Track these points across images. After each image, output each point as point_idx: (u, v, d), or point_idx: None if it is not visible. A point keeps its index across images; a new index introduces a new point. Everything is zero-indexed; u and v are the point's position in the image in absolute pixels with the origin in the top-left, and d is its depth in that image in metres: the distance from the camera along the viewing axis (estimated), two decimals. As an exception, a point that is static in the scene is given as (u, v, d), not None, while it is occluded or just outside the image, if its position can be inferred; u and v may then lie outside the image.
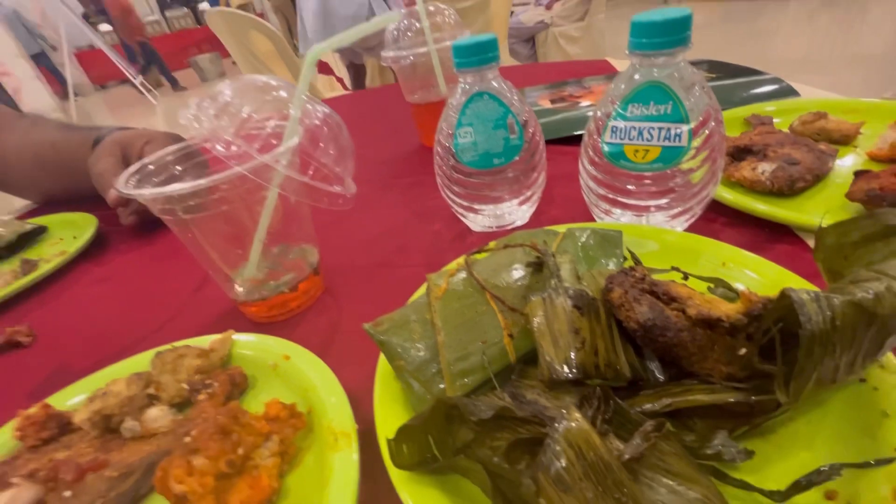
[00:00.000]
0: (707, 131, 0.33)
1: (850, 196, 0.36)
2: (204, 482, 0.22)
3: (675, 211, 0.37)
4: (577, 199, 0.43)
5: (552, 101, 0.69)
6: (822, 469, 0.18)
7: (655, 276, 0.30)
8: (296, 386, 0.30)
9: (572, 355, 0.23)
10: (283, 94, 0.36)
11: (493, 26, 2.97)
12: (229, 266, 0.38)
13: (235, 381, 0.30)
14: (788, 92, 0.57)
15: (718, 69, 0.67)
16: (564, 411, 0.19)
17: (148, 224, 0.60)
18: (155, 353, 0.32)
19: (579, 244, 0.33)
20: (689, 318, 0.22)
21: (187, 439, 0.23)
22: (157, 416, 0.29)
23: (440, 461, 0.22)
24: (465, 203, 0.44)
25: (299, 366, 0.30)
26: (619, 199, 0.38)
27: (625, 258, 0.33)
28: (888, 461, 0.19)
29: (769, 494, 0.19)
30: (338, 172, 0.38)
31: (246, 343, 0.34)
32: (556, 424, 0.18)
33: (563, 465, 0.17)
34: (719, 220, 0.40)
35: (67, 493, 0.24)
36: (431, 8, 0.61)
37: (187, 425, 0.24)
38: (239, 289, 0.38)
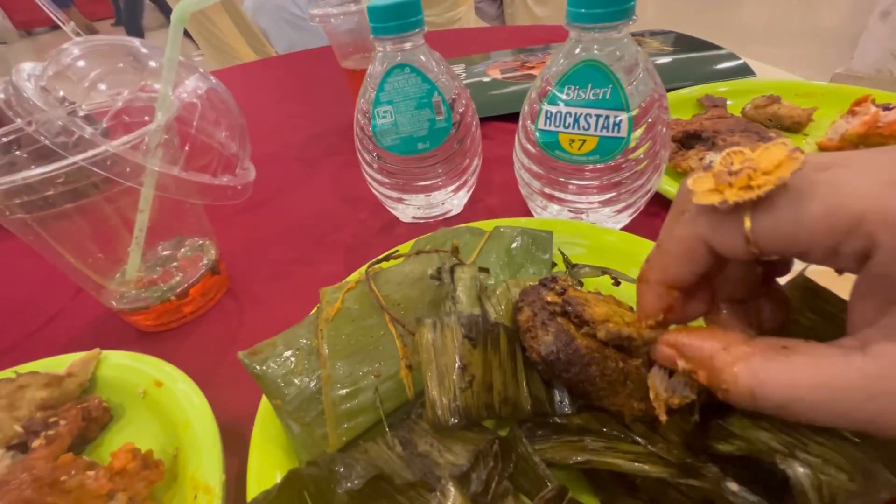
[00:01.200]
0: (650, 119, 0.29)
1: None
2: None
3: (618, 207, 0.34)
4: (516, 190, 0.39)
5: (503, 73, 0.64)
6: None
7: (585, 279, 0.26)
8: (166, 420, 0.25)
9: (456, 397, 0.19)
10: (153, 63, 0.29)
11: (458, -18, 2.81)
12: (100, 274, 0.32)
13: (91, 415, 0.25)
14: (744, 71, 0.53)
15: (682, 42, 0.63)
16: (439, 493, 0.15)
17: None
18: (-7, 382, 0.26)
19: (506, 247, 0.30)
20: (599, 341, 0.19)
21: (-8, 512, 0.18)
22: (-12, 461, 0.24)
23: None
24: (391, 193, 0.39)
25: (173, 396, 0.26)
26: (557, 193, 0.34)
27: (555, 263, 0.29)
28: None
29: None
30: (233, 154, 0.32)
31: (114, 364, 0.28)
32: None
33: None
34: (663, 213, 0.37)
35: None
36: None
37: (4, 485, 0.19)
38: (112, 300, 0.33)
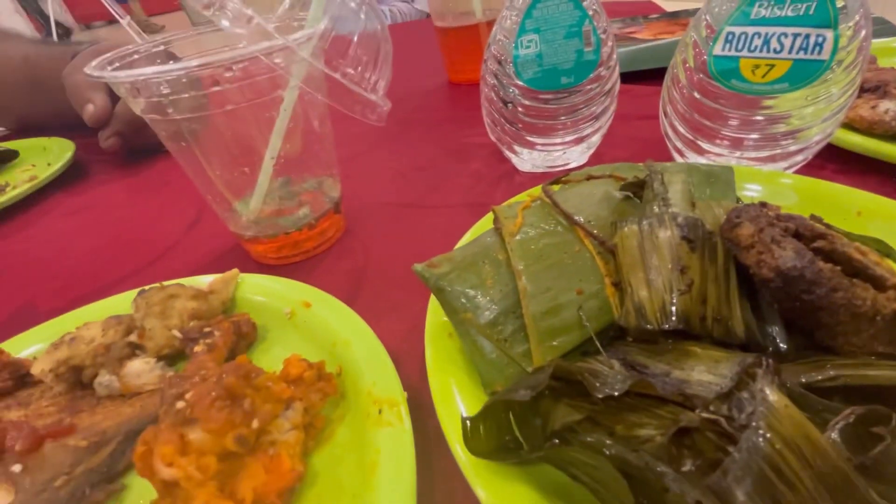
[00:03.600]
0: (858, 43, 0.26)
1: None
2: (204, 464, 0.15)
3: (793, 149, 0.30)
4: (642, 141, 0.36)
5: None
6: None
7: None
8: (320, 340, 0.23)
9: (673, 299, 0.16)
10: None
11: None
12: (233, 192, 0.30)
13: (242, 330, 0.24)
14: (890, 31, 0.48)
15: None
16: (760, 388, 0.12)
17: (133, 151, 0.52)
18: (138, 292, 0.25)
19: (681, 184, 0.26)
20: (839, 264, 0.16)
21: (181, 404, 0.17)
22: (142, 370, 0.22)
23: (524, 448, 0.16)
24: (515, 133, 0.36)
25: (324, 315, 0.24)
26: (715, 129, 0.31)
27: (738, 200, 0.26)
28: None
29: None
30: (373, 81, 0.30)
31: (255, 286, 0.27)
32: (751, 408, 0.12)
33: (774, 472, 0.11)
34: (829, 165, 0.33)
35: (17, 468, 0.18)
36: None
37: (181, 384, 0.17)
38: (237, 226, 0.31)
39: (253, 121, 0.27)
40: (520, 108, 0.35)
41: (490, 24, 0.53)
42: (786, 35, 0.26)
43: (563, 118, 0.35)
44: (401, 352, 0.24)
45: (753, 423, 0.12)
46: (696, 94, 0.30)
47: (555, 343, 0.18)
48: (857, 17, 0.25)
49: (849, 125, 0.34)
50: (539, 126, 0.35)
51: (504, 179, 0.39)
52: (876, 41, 0.46)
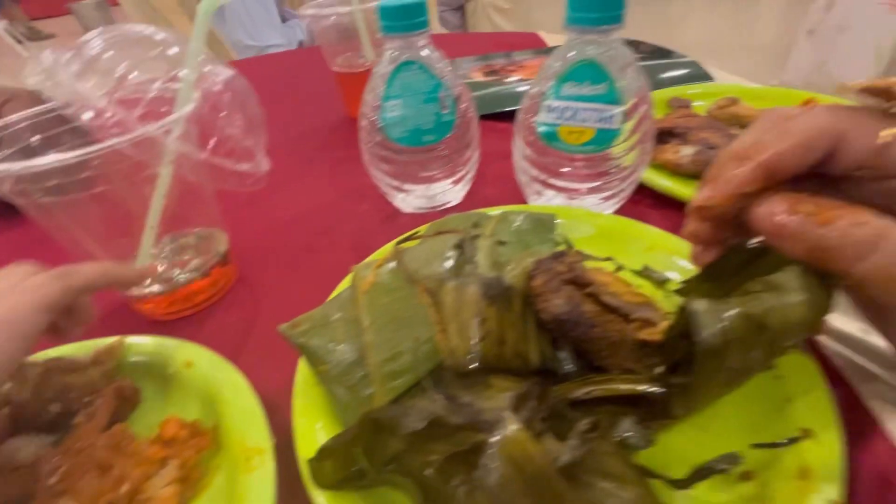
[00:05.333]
0: (640, 114, 0.33)
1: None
2: (76, 532, 0.18)
3: (607, 194, 0.37)
4: (511, 178, 0.41)
5: (485, 74, 0.67)
6: (721, 457, 0.19)
7: (590, 264, 0.29)
8: (200, 397, 0.26)
9: (475, 345, 0.22)
10: (173, 50, 0.30)
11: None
12: (113, 258, 0.32)
13: (124, 395, 0.26)
14: (703, 76, 0.59)
15: (652, 51, 0.69)
16: (501, 419, 0.17)
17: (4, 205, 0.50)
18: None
19: (514, 228, 0.32)
20: (600, 304, 0.22)
21: (53, 479, 0.19)
22: (21, 445, 0.24)
23: (368, 476, 0.20)
24: (394, 182, 0.41)
25: (204, 373, 0.26)
26: (552, 181, 0.37)
27: (557, 243, 0.32)
28: (794, 440, 0.20)
29: (672, 482, 0.19)
30: (247, 146, 0.33)
31: (140, 348, 0.29)
32: (493, 436, 0.17)
33: (500, 482, 0.16)
34: (644, 201, 0.41)
35: None
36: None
37: (54, 460, 0.19)
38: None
39: (129, 196, 0.29)
40: (392, 162, 0.39)
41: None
42: (587, 109, 0.32)
43: (432, 169, 0.39)
44: (280, 398, 0.27)
45: (489, 448, 0.17)
46: (531, 152, 0.36)
47: (395, 384, 0.23)
48: (634, 99, 0.32)
49: (661, 166, 0.43)
50: (413, 174, 0.40)
51: (389, 221, 0.43)
52: (690, 86, 0.56)
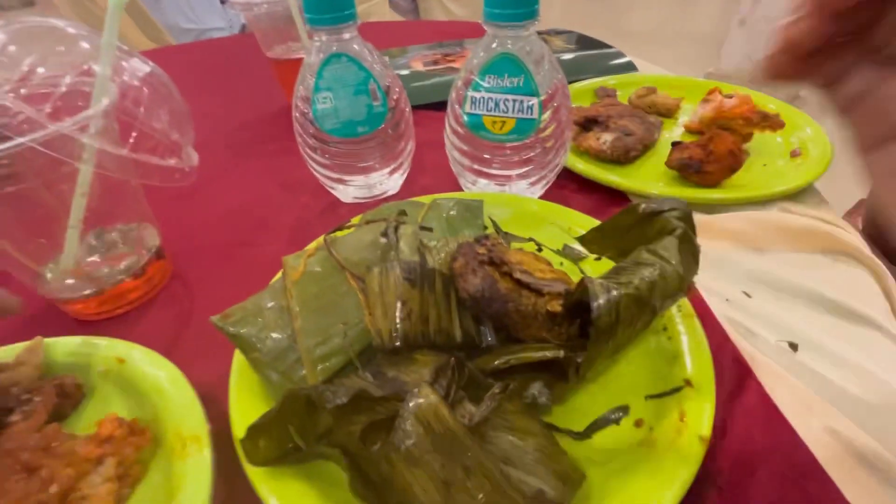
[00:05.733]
0: (556, 104, 0.35)
1: (668, 164, 0.42)
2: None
3: (533, 178, 0.40)
4: (448, 167, 0.43)
5: (425, 65, 0.68)
6: (613, 409, 0.22)
7: (515, 245, 0.32)
8: (136, 392, 0.26)
9: (397, 325, 0.23)
10: (84, 45, 0.29)
11: (369, -26, 2.78)
12: (35, 261, 0.31)
13: (66, 391, 0.25)
14: (629, 67, 0.63)
15: (581, 41, 0.72)
16: (416, 389, 0.19)
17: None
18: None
19: (444, 215, 0.34)
20: (515, 282, 0.24)
21: (-23, 480, 0.19)
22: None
23: (302, 450, 0.21)
24: (331, 174, 0.41)
25: (138, 369, 0.27)
26: (483, 168, 0.39)
27: (485, 227, 0.34)
28: (677, 390, 0.24)
29: (573, 434, 0.22)
30: (174, 141, 0.32)
31: (66, 348, 0.28)
32: (407, 403, 0.19)
33: (413, 441, 0.18)
34: (569, 185, 0.44)
35: None
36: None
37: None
38: (49, 289, 0.32)
39: (45, 196, 0.28)
40: (327, 153, 0.40)
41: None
42: (508, 100, 0.34)
43: (368, 160, 0.40)
44: (219, 389, 0.27)
45: (402, 413, 0.18)
46: (460, 141, 0.38)
47: (327, 365, 0.24)
48: (550, 90, 0.34)
49: (585, 152, 0.46)
50: (349, 166, 0.41)
51: (329, 212, 0.44)
52: (616, 76, 0.60)
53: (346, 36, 0.36)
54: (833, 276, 0.33)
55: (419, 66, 0.67)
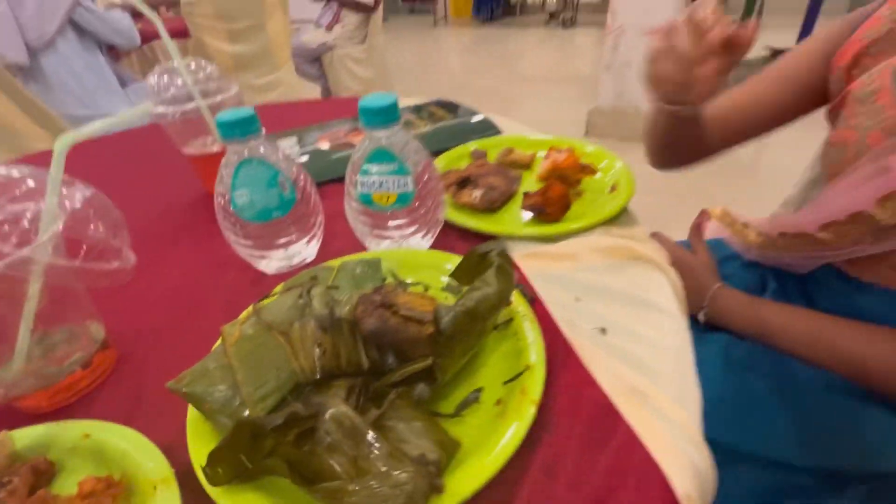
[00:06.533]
0: (426, 177, 0.47)
1: (523, 208, 0.55)
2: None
3: (422, 233, 0.51)
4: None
5: (331, 143, 0.79)
6: (471, 393, 0.32)
7: (411, 289, 0.42)
8: (105, 458, 0.32)
9: (316, 363, 0.32)
10: (30, 183, 0.36)
11: (273, 46, 2.92)
12: (-11, 363, 0.35)
13: (40, 470, 0.30)
14: (494, 130, 0.78)
15: (458, 111, 0.87)
16: (335, 403, 0.28)
17: None
18: None
19: (352, 273, 0.43)
20: (401, 317, 0.34)
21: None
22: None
23: (251, 469, 0.29)
24: (254, 251, 0.49)
25: (103, 438, 0.32)
26: (381, 231, 0.49)
27: (384, 278, 0.44)
28: (521, 373, 0.34)
29: (448, 415, 0.31)
30: (113, 245, 0.39)
31: (31, 436, 0.33)
32: (325, 412, 0.27)
33: (330, 437, 0.26)
34: (453, 234, 0.55)
35: None
36: (192, 65, 0.63)
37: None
38: (3, 385, 0.36)
39: (3, 309, 0.34)
40: (248, 236, 0.48)
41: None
42: (387, 181, 0.45)
43: (284, 237, 0.49)
44: (176, 443, 0.33)
45: (321, 419, 0.27)
46: (357, 212, 0.48)
47: (265, 404, 0.32)
48: (419, 167, 0.46)
49: (462, 207, 0.58)
50: (269, 243, 0.49)
51: (256, 284, 0.51)
52: (485, 140, 0.74)
53: (253, 144, 0.45)
54: (634, 276, 0.46)
55: (326, 145, 0.78)
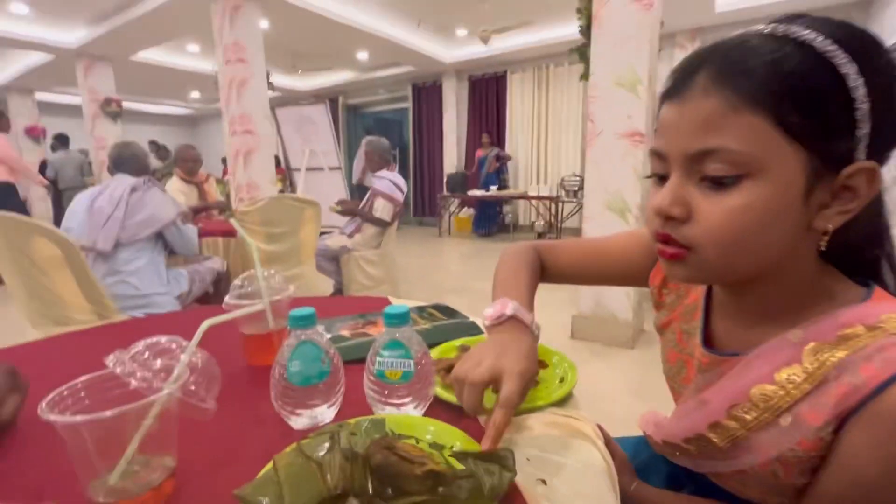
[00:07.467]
0: (423, 362, 0.67)
1: (493, 391, 0.74)
2: None
3: (415, 404, 0.68)
4: (363, 401, 0.70)
5: (350, 331, 1.02)
6: None
7: (406, 440, 0.58)
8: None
9: (339, 482, 0.47)
10: (173, 346, 0.57)
11: (301, 247, 3.46)
12: (92, 474, 0.50)
13: None
14: (478, 329, 1.02)
15: (450, 313, 1.13)
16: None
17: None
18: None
19: (363, 428, 0.60)
20: (400, 457, 0.49)
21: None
22: None
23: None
24: (292, 409, 0.66)
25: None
26: (387, 399, 0.67)
27: (388, 432, 0.60)
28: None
29: None
30: (208, 391, 0.58)
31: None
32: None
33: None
34: (440, 406, 0.72)
35: None
36: (266, 273, 0.91)
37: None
38: (96, 493, 0.50)
39: (129, 427, 0.50)
40: (290, 396, 0.66)
41: (280, 332, 0.87)
42: (396, 362, 0.66)
43: (315, 399, 0.67)
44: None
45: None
46: (372, 384, 0.68)
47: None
48: (419, 354, 0.67)
49: (448, 386, 0.77)
50: (303, 403, 0.66)
51: (284, 437, 0.66)
52: (471, 337, 0.97)
53: (310, 332, 0.68)
54: (572, 446, 0.62)
55: (347, 332, 1.01)
